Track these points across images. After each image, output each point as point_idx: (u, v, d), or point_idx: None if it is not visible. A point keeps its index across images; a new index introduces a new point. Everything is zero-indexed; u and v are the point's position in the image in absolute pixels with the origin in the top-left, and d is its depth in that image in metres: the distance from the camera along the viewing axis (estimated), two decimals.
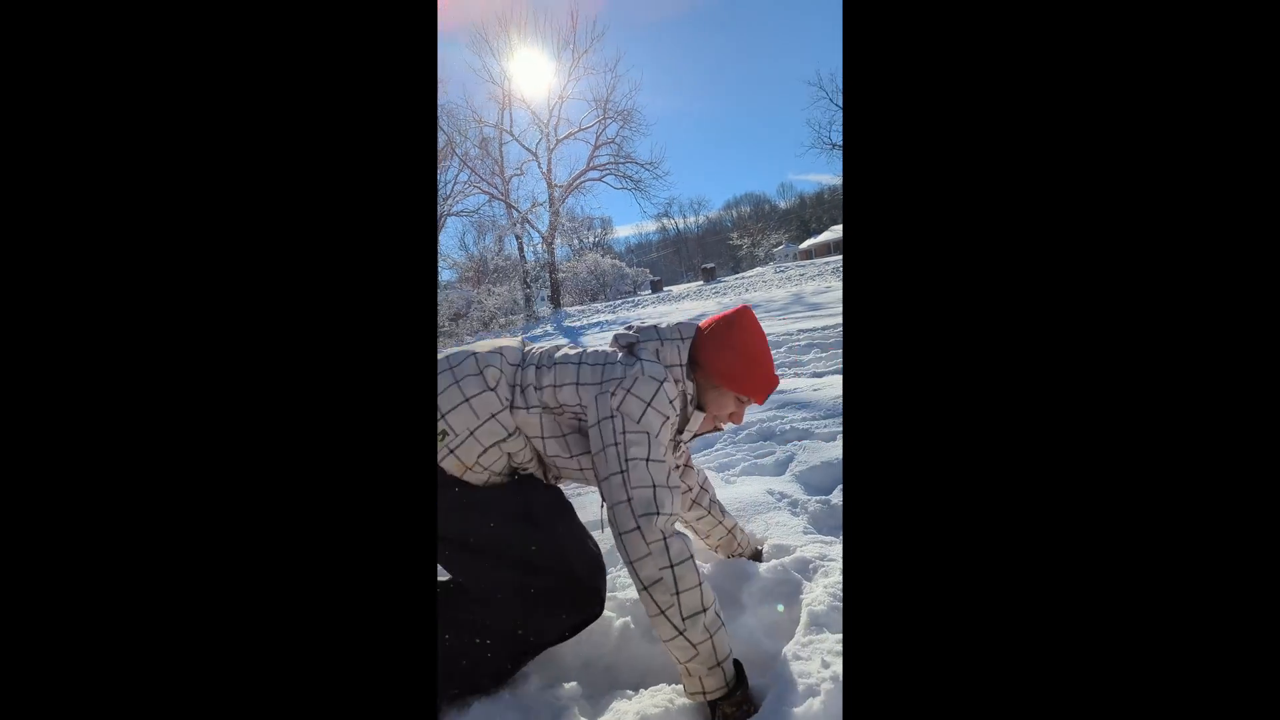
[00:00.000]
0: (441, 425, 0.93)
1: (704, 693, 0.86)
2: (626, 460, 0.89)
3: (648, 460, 0.89)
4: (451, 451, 0.93)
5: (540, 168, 17.49)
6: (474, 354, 0.99)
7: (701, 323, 1.06)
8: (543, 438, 0.97)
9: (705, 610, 0.86)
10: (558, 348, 1.03)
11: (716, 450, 2.12)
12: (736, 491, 1.57)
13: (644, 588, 0.86)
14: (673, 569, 0.85)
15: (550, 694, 0.93)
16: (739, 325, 1.04)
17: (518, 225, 17.99)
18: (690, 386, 1.00)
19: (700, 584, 0.86)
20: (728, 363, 1.01)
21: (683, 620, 0.84)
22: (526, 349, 1.04)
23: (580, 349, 1.02)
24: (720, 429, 1.08)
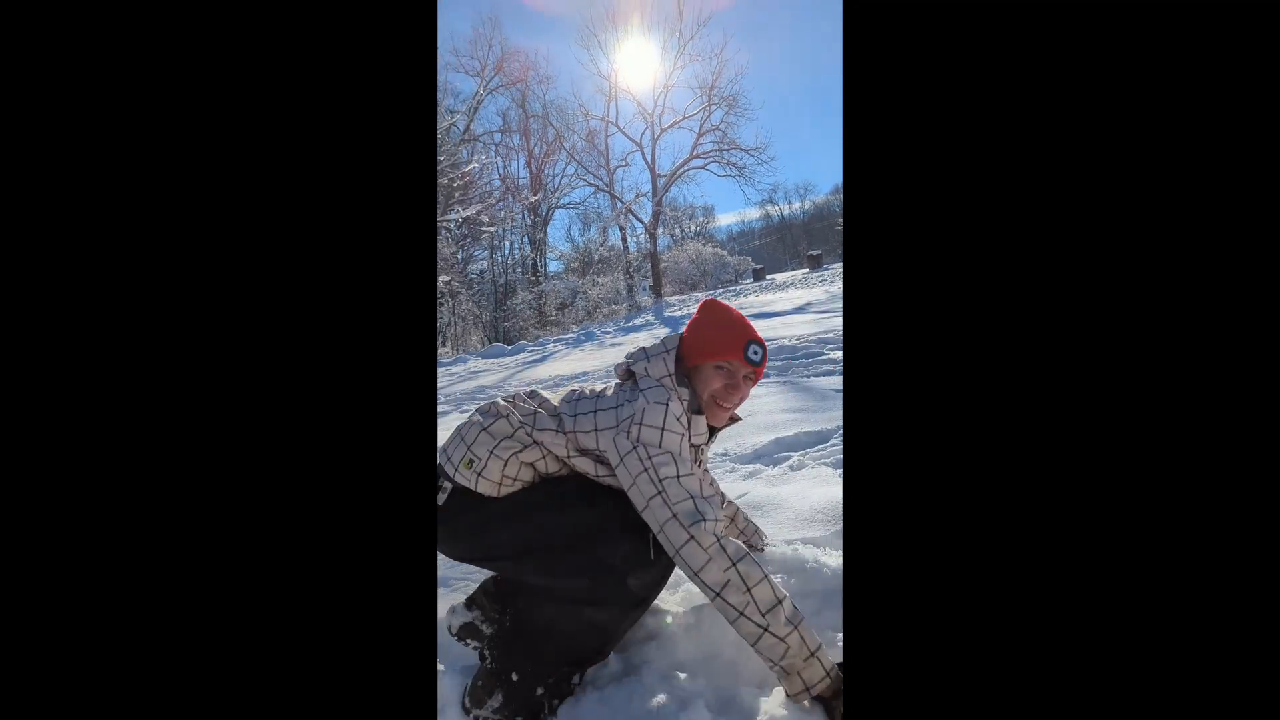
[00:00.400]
0: (469, 455, 1.03)
1: (807, 687, 0.85)
2: (660, 482, 0.92)
3: (678, 477, 0.93)
4: (480, 475, 1.01)
5: (644, 158, 17.60)
6: (491, 401, 1.11)
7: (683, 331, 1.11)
8: (570, 455, 1.03)
9: (782, 602, 0.86)
10: (573, 392, 1.08)
11: (833, 445, 2.04)
12: None
13: (716, 594, 0.87)
14: (736, 568, 0.86)
15: (671, 684, 0.94)
16: (699, 311, 1.13)
17: (621, 216, 18.25)
18: (685, 392, 1.03)
19: (766, 577, 0.87)
20: (691, 342, 1.08)
21: (762, 615, 0.85)
22: (539, 394, 1.12)
23: (594, 394, 1.07)
24: (736, 418, 1.12)
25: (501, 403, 1.08)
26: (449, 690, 1.04)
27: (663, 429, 0.96)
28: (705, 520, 0.89)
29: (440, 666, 1.13)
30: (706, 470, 1.27)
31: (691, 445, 1.03)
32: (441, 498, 1.03)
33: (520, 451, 1.02)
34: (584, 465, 1.03)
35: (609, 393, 1.06)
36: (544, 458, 1.03)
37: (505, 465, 1.01)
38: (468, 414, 4.34)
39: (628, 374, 1.08)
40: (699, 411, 1.05)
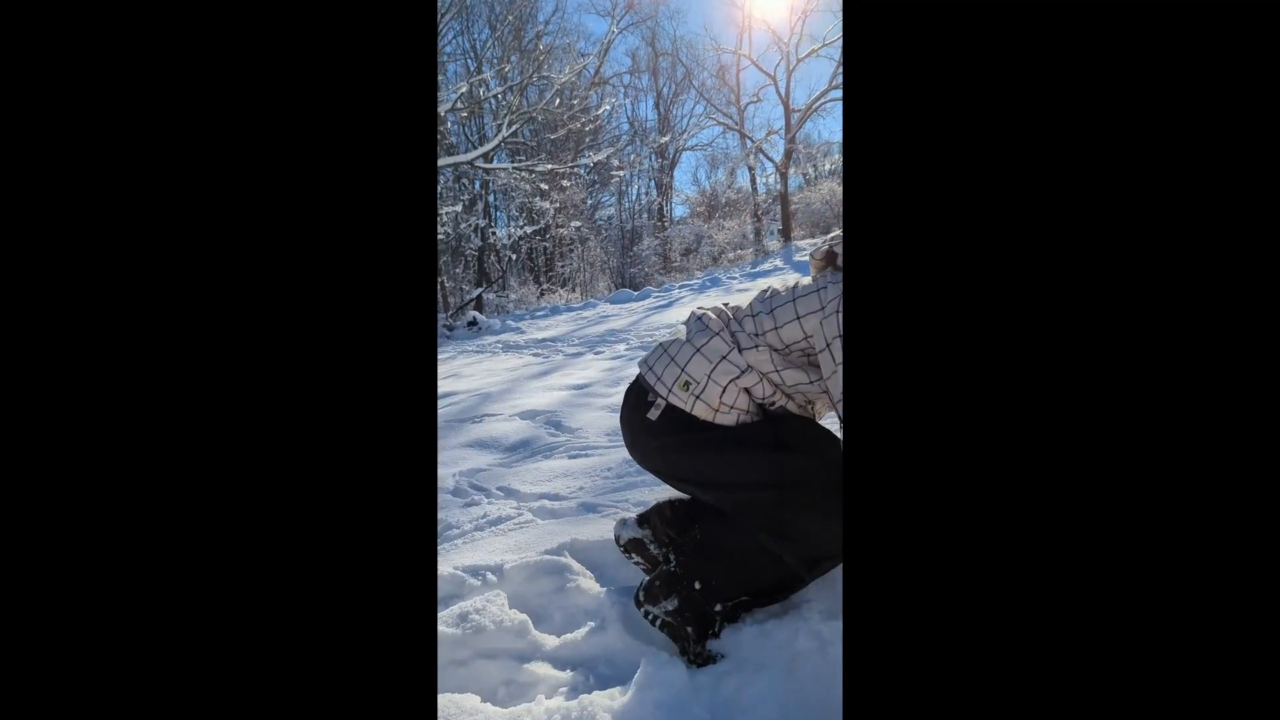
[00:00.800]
0: (684, 377, 1.03)
1: None
2: None
3: None
4: (698, 398, 1.02)
5: (778, 92, 16.60)
6: (697, 318, 1.09)
7: None
8: (777, 370, 1.00)
9: None
10: (764, 291, 1.07)
11: None
12: None
13: None
14: None
15: (837, 624, 0.92)
16: None
17: (750, 156, 17.51)
18: None
19: None
20: None
21: None
22: (730, 305, 1.11)
23: (784, 289, 1.04)
24: None
25: (713, 318, 1.07)
26: (606, 608, 1.09)
27: None
28: None
29: (597, 587, 1.19)
30: None
31: None
32: (654, 414, 1.05)
33: (738, 378, 1.02)
34: (794, 376, 1.02)
35: (804, 282, 1.04)
36: (760, 381, 1.03)
37: (724, 392, 1.02)
38: (601, 356, 4.45)
39: (827, 259, 1.05)
40: None
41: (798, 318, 0.99)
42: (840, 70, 15.93)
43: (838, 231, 1.04)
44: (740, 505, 0.99)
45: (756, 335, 1.02)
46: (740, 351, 1.02)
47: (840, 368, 0.92)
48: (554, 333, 6.26)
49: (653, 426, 1.06)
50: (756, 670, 0.89)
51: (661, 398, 1.05)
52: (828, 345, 0.95)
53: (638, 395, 1.10)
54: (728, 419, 1.02)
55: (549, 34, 14.21)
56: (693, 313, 1.12)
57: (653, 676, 0.89)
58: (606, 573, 1.25)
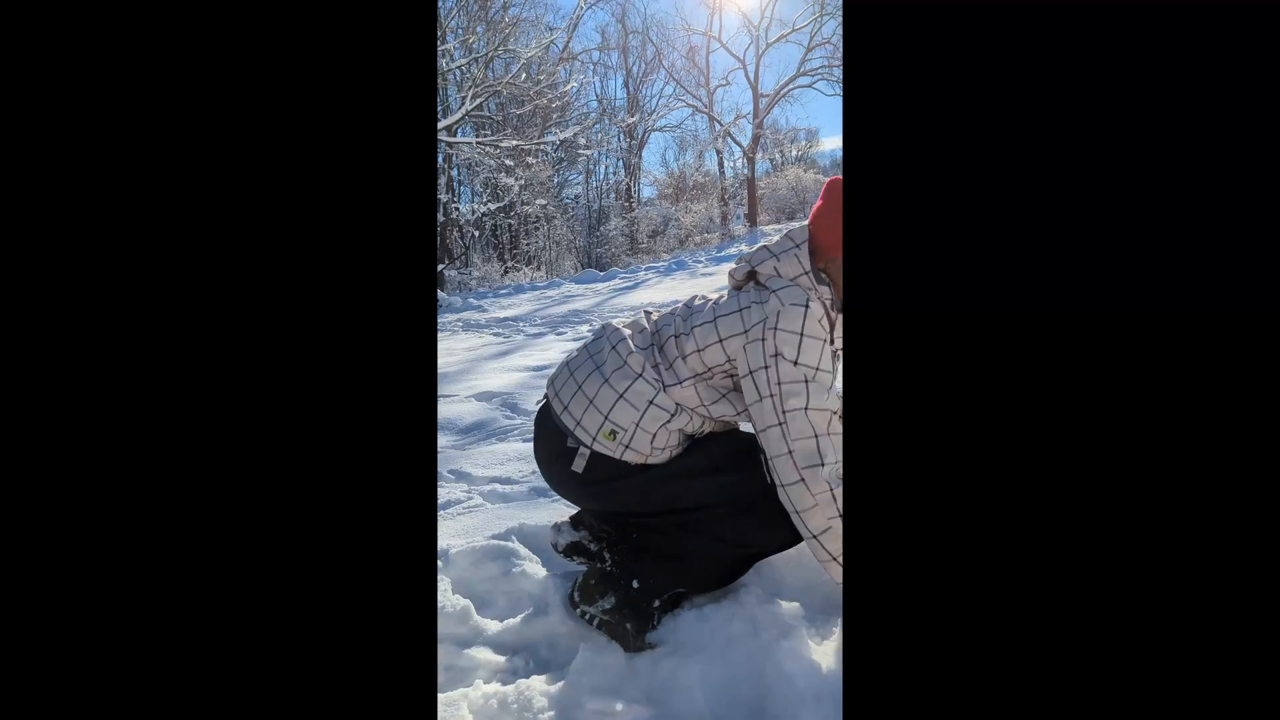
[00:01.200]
0: (609, 425, 0.95)
1: None
2: (784, 412, 0.86)
3: (806, 409, 0.86)
4: (627, 446, 0.96)
5: (747, 76, 16.55)
6: (613, 347, 1.00)
7: (809, 222, 0.98)
8: (705, 405, 0.96)
9: None
10: (688, 307, 1.01)
11: None
12: None
13: (813, 536, 0.87)
14: (841, 517, 0.83)
15: (771, 608, 0.94)
16: (827, 195, 0.98)
17: (719, 139, 17.48)
18: (825, 290, 0.93)
19: None
20: (825, 233, 0.95)
21: None
22: (652, 318, 1.04)
23: (706, 303, 0.99)
24: None
25: (635, 354, 0.97)
26: (550, 592, 1.09)
27: (801, 334, 0.87)
28: (823, 465, 0.86)
29: (543, 571, 1.19)
30: None
31: (833, 351, 0.95)
32: (579, 464, 0.98)
33: (668, 421, 0.96)
34: (721, 409, 0.97)
35: (725, 299, 0.98)
36: (690, 419, 0.98)
37: (654, 438, 0.95)
38: (563, 337, 4.39)
39: (748, 277, 0.98)
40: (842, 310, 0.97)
41: (720, 340, 0.93)
42: (807, 57, 15.94)
43: (765, 242, 0.99)
44: (681, 526, 0.98)
45: (683, 358, 0.96)
46: (666, 391, 0.95)
47: (765, 401, 0.88)
48: (516, 312, 6.19)
49: (579, 476, 0.99)
50: (692, 653, 0.91)
51: (586, 446, 0.97)
52: (750, 373, 0.90)
53: (554, 439, 1.02)
54: (660, 458, 0.98)
55: (516, 5, 13.82)
56: (605, 332, 1.03)
57: (591, 661, 0.90)
58: (553, 557, 1.25)
